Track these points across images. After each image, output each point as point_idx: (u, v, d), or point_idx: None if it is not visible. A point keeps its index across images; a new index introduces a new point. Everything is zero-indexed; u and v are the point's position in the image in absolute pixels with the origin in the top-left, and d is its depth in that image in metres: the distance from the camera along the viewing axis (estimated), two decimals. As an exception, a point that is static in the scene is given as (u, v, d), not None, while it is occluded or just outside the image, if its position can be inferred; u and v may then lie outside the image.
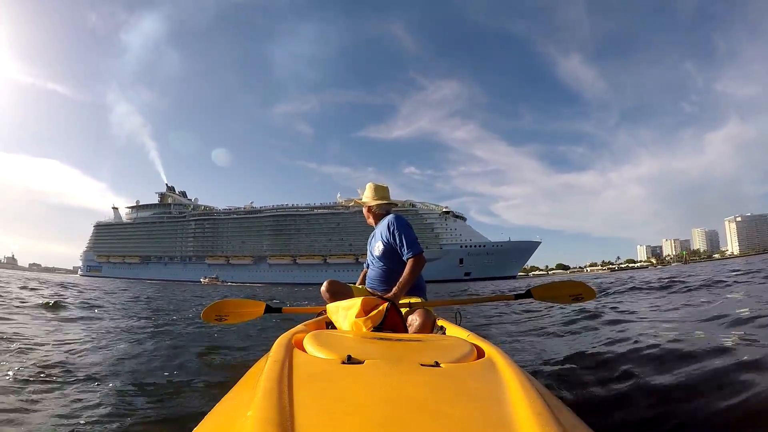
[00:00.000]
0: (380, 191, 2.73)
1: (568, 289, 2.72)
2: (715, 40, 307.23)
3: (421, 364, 0.93)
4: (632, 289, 8.60)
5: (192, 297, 13.92)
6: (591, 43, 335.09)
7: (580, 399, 2.02)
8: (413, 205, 73.01)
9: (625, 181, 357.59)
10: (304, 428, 0.58)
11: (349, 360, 0.93)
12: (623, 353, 2.73)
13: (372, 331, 1.68)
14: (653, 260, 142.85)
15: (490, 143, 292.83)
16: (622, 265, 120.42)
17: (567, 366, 2.64)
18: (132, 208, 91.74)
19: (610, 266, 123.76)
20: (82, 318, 5.74)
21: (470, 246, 67.47)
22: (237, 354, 3.45)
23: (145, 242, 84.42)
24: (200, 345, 3.84)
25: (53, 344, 3.53)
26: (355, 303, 1.80)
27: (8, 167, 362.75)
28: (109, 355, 3.22)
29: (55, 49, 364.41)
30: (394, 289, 2.27)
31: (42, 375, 2.43)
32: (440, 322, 1.98)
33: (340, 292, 2.32)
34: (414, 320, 1.91)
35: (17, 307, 6.48)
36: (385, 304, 1.77)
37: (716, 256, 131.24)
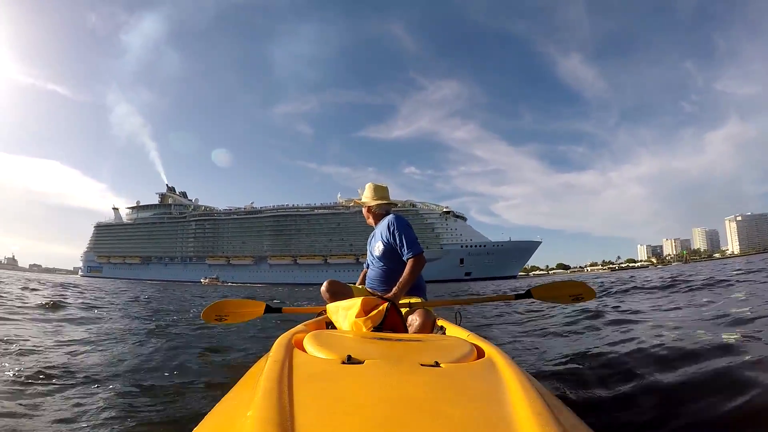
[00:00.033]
0: (380, 191, 2.73)
1: (569, 289, 2.72)
2: (715, 39, 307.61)
3: (421, 364, 0.93)
4: (634, 288, 8.58)
5: (192, 297, 13.93)
6: (591, 43, 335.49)
7: (581, 399, 2.02)
8: (414, 205, 73.02)
9: (625, 180, 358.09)
10: (304, 428, 0.58)
11: (349, 360, 0.93)
12: (624, 353, 2.72)
13: (372, 331, 1.68)
14: (653, 260, 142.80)
15: (490, 143, 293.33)
16: (623, 265, 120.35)
17: (567, 366, 2.64)
18: (132, 208, 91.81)
19: (611, 266, 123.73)
20: (82, 319, 5.74)
21: (471, 246, 67.47)
22: (237, 354, 3.45)
23: (146, 243, 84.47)
24: (200, 345, 3.84)
25: (53, 345, 3.53)
26: (355, 303, 1.80)
27: (8, 168, 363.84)
28: (109, 356, 3.23)
29: (55, 50, 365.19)
30: (394, 289, 2.27)
31: (42, 377, 2.42)
32: (440, 322, 1.98)
33: (340, 292, 2.32)
34: (414, 320, 1.91)
35: (18, 307, 6.49)
36: (385, 304, 1.77)
37: (717, 255, 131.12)
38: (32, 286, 14.09)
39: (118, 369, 2.77)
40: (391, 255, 2.47)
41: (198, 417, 0.80)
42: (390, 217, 2.57)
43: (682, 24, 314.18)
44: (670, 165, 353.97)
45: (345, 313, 1.83)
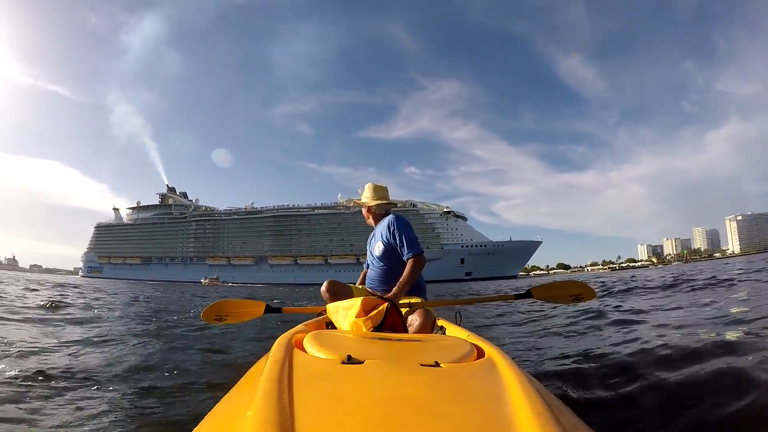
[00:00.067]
0: (379, 191, 2.72)
1: (569, 289, 2.71)
2: (715, 39, 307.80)
3: (421, 364, 0.93)
4: (635, 288, 8.58)
5: (192, 297, 13.94)
6: (591, 43, 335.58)
7: (581, 399, 2.02)
8: (414, 205, 73.05)
9: (625, 180, 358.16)
10: (304, 428, 0.58)
11: (349, 360, 0.93)
12: (625, 353, 2.72)
13: (372, 331, 1.67)
14: (654, 259, 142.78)
15: (490, 143, 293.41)
16: (623, 265, 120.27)
17: (568, 366, 2.64)
18: (133, 209, 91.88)
19: (611, 266, 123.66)
20: (82, 319, 5.75)
21: (471, 246, 67.48)
22: (237, 354, 3.45)
23: (146, 243, 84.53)
24: (200, 345, 3.84)
25: (54, 346, 3.53)
26: (355, 303, 1.80)
27: (9, 168, 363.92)
28: (109, 357, 3.23)
29: (56, 50, 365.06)
30: (394, 289, 2.26)
31: (42, 378, 2.42)
32: (440, 322, 1.97)
33: (340, 292, 2.32)
34: (414, 320, 1.91)
35: (18, 308, 6.49)
36: (385, 304, 1.77)
37: (717, 255, 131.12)
38: (33, 286, 14.11)
39: (119, 369, 2.77)
40: (391, 255, 2.47)
41: (198, 417, 0.80)
42: (390, 217, 2.57)
43: (682, 23, 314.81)
44: (671, 165, 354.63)
45: (345, 313, 1.83)
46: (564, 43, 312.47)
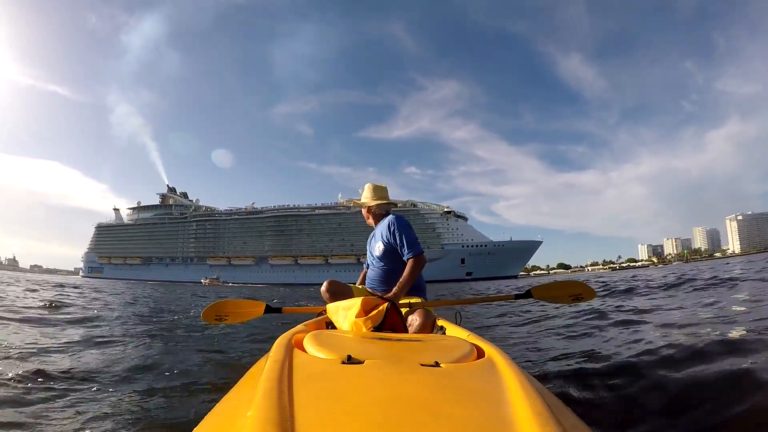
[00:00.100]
0: (379, 191, 2.72)
1: (568, 289, 2.71)
2: (715, 38, 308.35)
3: (421, 364, 0.93)
4: (637, 288, 8.56)
5: (193, 297, 13.94)
6: (591, 43, 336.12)
7: (581, 399, 2.01)
8: (414, 205, 73.03)
9: (625, 180, 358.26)
10: (304, 428, 0.58)
11: (349, 360, 0.93)
12: (626, 353, 2.72)
13: (372, 331, 1.67)
14: (654, 259, 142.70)
15: (490, 143, 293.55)
16: (623, 265, 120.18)
17: (568, 366, 2.64)
18: (133, 209, 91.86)
19: (611, 266, 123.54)
20: (83, 320, 5.75)
21: (472, 246, 67.44)
22: (237, 354, 3.45)
23: (147, 243, 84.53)
24: (200, 345, 3.85)
25: (54, 347, 3.53)
26: (355, 303, 1.80)
27: (9, 169, 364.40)
28: (109, 357, 3.23)
29: (56, 51, 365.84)
30: (394, 289, 2.26)
31: (42, 378, 2.42)
32: (440, 322, 1.97)
33: (340, 292, 2.32)
34: (414, 320, 1.91)
35: (18, 308, 6.49)
36: (385, 304, 1.77)
37: (717, 254, 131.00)
38: (33, 287, 14.12)
39: (119, 370, 2.77)
40: (391, 255, 2.47)
41: (198, 417, 0.80)
42: (390, 217, 2.57)
43: (682, 23, 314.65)
44: (671, 164, 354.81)
45: (345, 313, 1.83)
46: (564, 43, 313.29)
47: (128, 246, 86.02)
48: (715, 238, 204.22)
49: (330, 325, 2.02)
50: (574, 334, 3.86)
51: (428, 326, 1.88)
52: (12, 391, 2.16)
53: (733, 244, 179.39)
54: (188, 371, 2.78)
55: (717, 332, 2.93)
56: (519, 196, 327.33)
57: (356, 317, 1.74)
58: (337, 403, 0.69)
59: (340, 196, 76.57)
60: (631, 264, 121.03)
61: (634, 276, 16.11)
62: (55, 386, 2.30)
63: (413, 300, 2.31)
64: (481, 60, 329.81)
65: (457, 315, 2.17)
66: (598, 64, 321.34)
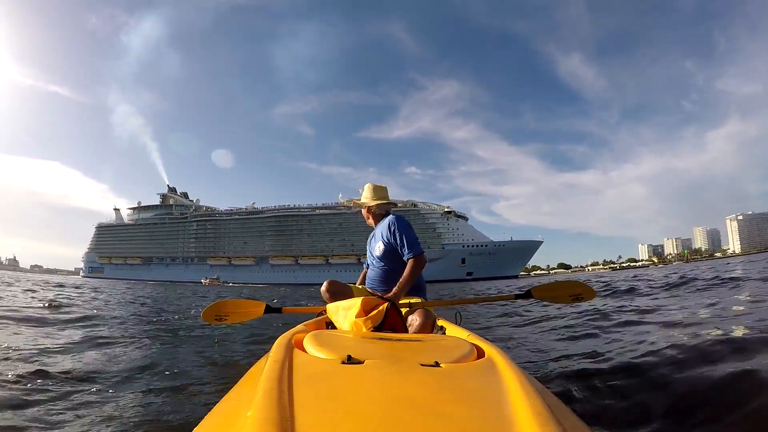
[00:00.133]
0: (379, 191, 2.72)
1: (568, 289, 2.72)
2: (715, 37, 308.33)
3: (421, 364, 0.93)
4: (638, 288, 8.54)
5: (193, 297, 13.94)
6: (591, 42, 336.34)
7: (582, 399, 2.01)
8: (415, 205, 72.99)
9: (626, 180, 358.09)
10: (304, 428, 0.58)
11: (349, 360, 0.93)
12: (628, 354, 2.72)
13: (372, 331, 1.68)
14: (655, 259, 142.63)
15: (491, 143, 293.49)
16: (624, 265, 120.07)
17: (568, 366, 2.64)
18: (134, 209, 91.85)
19: (612, 265, 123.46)
20: (83, 320, 5.75)
21: (472, 246, 67.40)
22: (237, 354, 3.45)
23: (147, 243, 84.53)
24: (200, 346, 3.85)
25: (54, 347, 3.53)
26: (355, 303, 1.80)
27: (9, 169, 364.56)
28: (109, 357, 3.23)
29: (56, 51, 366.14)
30: (394, 289, 2.26)
31: (41, 379, 2.42)
32: (440, 322, 1.97)
33: (340, 292, 2.32)
34: (414, 320, 1.91)
35: (18, 308, 6.49)
36: (385, 304, 1.77)
37: (718, 254, 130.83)
38: (33, 287, 14.12)
39: (119, 370, 2.77)
40: (391, 255, 2.47)
41: (198, 417, 0.80)
42: (391, 217, 2.57)
43: (682, 22, 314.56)
44: (671, 164, 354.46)
45: (345, 313, 1.83)
46: (564, 43, 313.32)
47: (129, 246, 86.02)
48: (715, 238, 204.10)
49: (330, 325, 2.02)
50: (576, 334, 3.86)
51: (428, 326, 1.88)
52: (11, 392, 2.16)
53: (733, 244, 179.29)
54: (188, 371, 2.78)
55: (720, 332, 2.90)
56: (519, 196, 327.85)
57: (356, 317, 1.74)
58: (337, 403, 0.69)
59: (340, 196, 76.65)
60: (632, 264, 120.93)
61: (635, 276, 16.09)
62: (55, 387, 2.30)
63: (413, 300, 2.32)
64: (481, 60, 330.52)
65: (457, 315, 2.17)
66: (599, 64, 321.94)
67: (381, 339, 1.37)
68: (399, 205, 68.74)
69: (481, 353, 1.13)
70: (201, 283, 58.13)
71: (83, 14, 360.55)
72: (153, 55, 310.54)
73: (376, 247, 2.54)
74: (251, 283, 63.99)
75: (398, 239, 2.42)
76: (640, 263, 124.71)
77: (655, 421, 1.71)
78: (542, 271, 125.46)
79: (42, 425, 1.77)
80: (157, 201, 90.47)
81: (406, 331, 1.86)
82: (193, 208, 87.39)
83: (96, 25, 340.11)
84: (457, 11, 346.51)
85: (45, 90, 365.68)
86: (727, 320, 3.52)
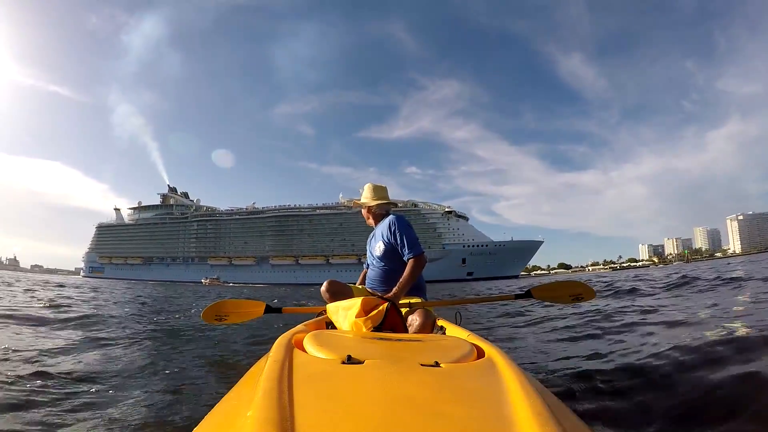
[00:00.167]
0: (379, 191, 2.73)
1: (568, 289, 2.72)
2: (716, 37, 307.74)
3: (421, 364, 0.93)
4: (640, 288, 8.53)
5: (193, 297, 13.94)
6: (592, 42, 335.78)
7: (582, 399, 2.01)
8: (416, 205, 72.98)
9: (626, 180, 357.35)
10: (304, 428, 0.58)
11: (349, 360, 0.93)
12: (629, 354, 2.72)
13: (372, 331, 1.68)
14: (655, 259, 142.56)
15: (491, 142, 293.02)
16: (624, 265, 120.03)
17: (569, 366, 2.63)
18: (134, 209, 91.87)
19: (612, 266, 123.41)
20: (83, 319, 5.75)
21: (473, 246, 67.38)
22: (237, 354, 3.45)
23: (148, 243, 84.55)
24: (200, 346, 3.85)
25: (53, 347, 3.53)
26: (355, 303, 1.80)
27: (10, 169, 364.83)
28: (109, 357, 3.23)
29: (56, 51, 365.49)
30: (394, 289, 2.27)
31: (41, 379, 2.41)
32: (440, 322, 1.97)
33: (340, 292, 2.32)
34: (414, 320, 1.91)
35: (18, 308, 6.50)
36: (385, 304, 1.77)
37: (718, 254, 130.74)
38: (34, 287, 14.13)
39: (118, 370, 2.77)
40: (391, 255, 2.47)
41: (198, 417, 0.80)
42: (391, 217, 2.57)
43: (682, 22, 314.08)
44: (672, 164, 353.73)
45: (345, 313, 1.83)
46: (564, 43, 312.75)
47: (129, 246, 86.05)
48: (715, 238, 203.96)
49: (330, 325, 2.02)
50: (576, 335, 3.85)
51: (428, 326, 1.88)
52: (11, 393, 2.15)
53: (733, 244, 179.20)
54: (188, 371, 2.78)
55: (723, 333, 2.89)
56: (520, 196, 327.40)
57: (356, 317, 1.74)
58: (337, 403, 0.69)
59: (341, 196, 76.66)
60: (632, 264, 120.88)
61: (636, 276, 16.08)
62: (55, 387, 2.30)
63: (413, 300, 2.32)
64: (481, 60, 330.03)
65: (457, 315, 2.17)
66: (599, 64, 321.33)
67: (381, 339, 1.37)
68: (400, 205, 68.74)
69: (481, 353, 1.13)
70: (201, 283, 58.17)
71: (83, 14, 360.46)
72: (153, 55, 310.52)
73: (377, 247, 2.54)
74: (252, 283, 64.02)
75: (399, 239, 2.42)
76: (640, 263, 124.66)
77: (656, 421, 1.70)
78: (542, 271, 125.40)
79: (42, 426, 1.77)
80: (157, 201, 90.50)
81: (406, 331, 1.86)
82: (194, 208, 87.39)
83: (96, 25, 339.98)
84: (457, 11, 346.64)
85: (45, 90, 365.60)
86: (729, 321, 3.52)
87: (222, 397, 0.93)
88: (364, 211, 2.78)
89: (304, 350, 1.07)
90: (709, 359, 2.25)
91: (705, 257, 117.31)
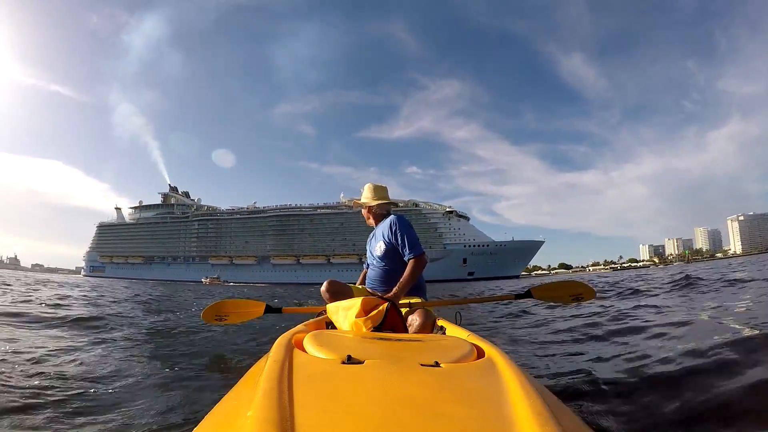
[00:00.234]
0: (379, 191, 2.73)
1: (568, 289, 2.72)
2: (716, 37, 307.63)
3: (421, 364, 0.93)
4: (641, 288, 8.51)
5: (193, 296, 13.95)
6: (592, 42, 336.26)
7: (582, 399, 2.01)
8: (417, 205, 72.89)
9: (627, 180, 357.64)
10: (304, 428, 0.58)
11: (349, 360, 0.93)
12: (631, 355, 2.71)
13: (372, 331, 1.68)
14: (656, 259, 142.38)
15: (491, 142, 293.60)
16: (625, 265, 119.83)
17: (569, 367, 2.63)
18: (135, 208, 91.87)
19: (613, 266, 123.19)
20: (83, 319, 5.74)
21: (473, 246, 67.29)
22: (237, 354, 3.45)
23: (148, 243, 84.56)
24: (200, 346, 3.85)
25: (53, 347, 3.53)
26: (355, 303, 1.80)
27: (11, 168, 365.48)
28: (108, 357, 3.22)
29: (57, 51, 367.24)
30: (394, 289, 2.27)
31: (41, 379, 2.41)
32: (440, 322, 1.97)
33: (340, 292, 2.32)
34: (414, 320, 1.91)
35: (18, 308, 6.50)
36: (385, 304, 1.77)
37: (719, 255, 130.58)
38: (34, 286, 14.14)
39: (118, 370, 2.77)
40: (392, 255, 2.47)
41: (198, 417, 0.80)
42: (392, 217, 2.57)
43: (683, 22, 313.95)
44: (672, 164, 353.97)
45: (345, 313, 1.83)
46: (565, 43, 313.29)
47: (130, 245, 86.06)
48: (716, 239, 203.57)
49: (330, 325, 2.02)
50: (577, 335, 3.84)
51: (428, 326, 1.88)
52: (11, 393, 2.15)
53: (734, 244, 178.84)
54: (188, 371, 2.78)
55: (729, 335, 2.87)
56: (520, 196, 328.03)
57: (356, 317, 1.74)
58: (337, 403, 0.69)
59: (342, 195, 76.59)
60: (633, 264, 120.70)
61: (638, 276, 16.05)
62: (55, 388, 2.29)
63: (413, 300, 2.32)
64: (482, 60, 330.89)
65: (457, 315, 2.17)
66: (599, 64, 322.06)
67: (381, 339, 1.37)
68: (401, 204, 68.64)
69: (481, 353, 1.13)
70: (202, 282, 58.16)
71: (84, 14, 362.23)
72: (154, 54, 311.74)
73: (377, 246, 2.54)
74: (252, 283, 64.03)
75: (399, 239, 2.42)
76: (641, 263, 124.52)
77: (659, 424, 1.70)
78: (543, 271, 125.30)
79: (42, 427, 1.77)
80: (158, 200, 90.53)
81: (406, 331, 1.86)
82: (195, 207, 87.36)
83: (97, 25, 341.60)
84: (457, 11, 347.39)
85: (46, 89, 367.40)
86: (734, 322, 3.51)
87: (222, 397, 0.93)
88: (364, 211, 2.78)
89: (304, 350, 1.07)
90: (714, 362, 2.23)
91: (706, 258, 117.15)
